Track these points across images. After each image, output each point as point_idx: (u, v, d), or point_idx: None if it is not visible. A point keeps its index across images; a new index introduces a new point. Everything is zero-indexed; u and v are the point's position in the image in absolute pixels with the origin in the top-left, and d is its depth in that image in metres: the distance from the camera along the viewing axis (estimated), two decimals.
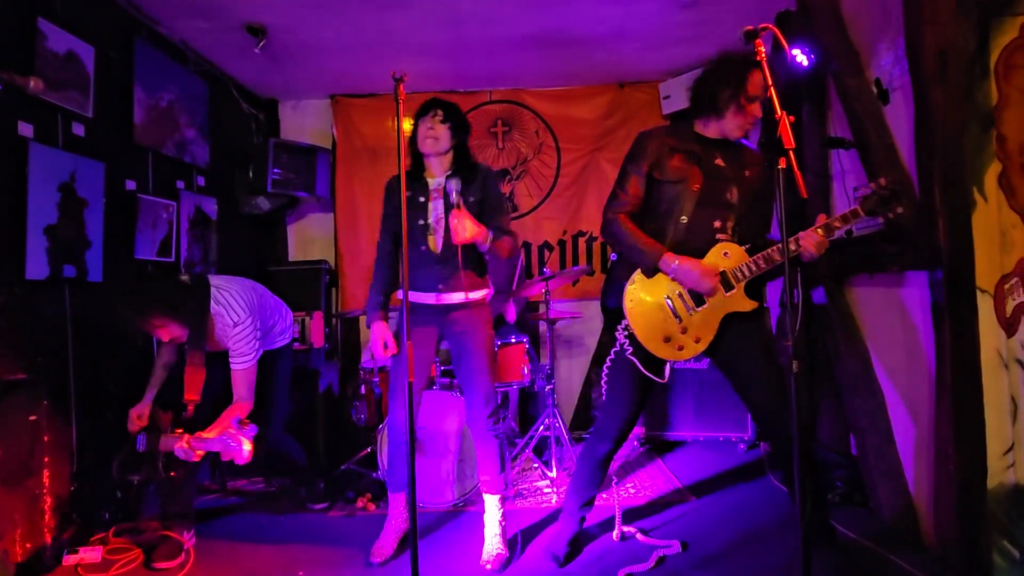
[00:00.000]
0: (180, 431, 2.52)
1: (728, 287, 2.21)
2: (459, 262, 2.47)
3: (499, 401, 2.65)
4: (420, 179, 2.58)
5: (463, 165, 2.56)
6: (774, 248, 2.17)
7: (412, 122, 2.55)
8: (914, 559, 2.36)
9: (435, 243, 2.52)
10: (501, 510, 2.62)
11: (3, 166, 2.48)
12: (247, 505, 3.32)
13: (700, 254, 2.22)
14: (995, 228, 2.28)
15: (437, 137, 2.50)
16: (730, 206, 2.25)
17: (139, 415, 2.71)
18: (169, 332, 2.59)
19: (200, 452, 2.49)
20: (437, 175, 2.57)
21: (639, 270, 2.26)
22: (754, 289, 2.25)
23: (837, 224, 2.16)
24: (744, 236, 2.28)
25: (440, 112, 2.51)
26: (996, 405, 2.25)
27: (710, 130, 2.29)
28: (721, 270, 2.21)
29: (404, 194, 2.00)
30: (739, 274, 2.20)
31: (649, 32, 3.73)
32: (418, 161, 2.60)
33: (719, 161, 2.27)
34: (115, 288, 2.96)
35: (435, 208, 2.54)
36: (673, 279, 2.22)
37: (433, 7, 3.39)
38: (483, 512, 2.63)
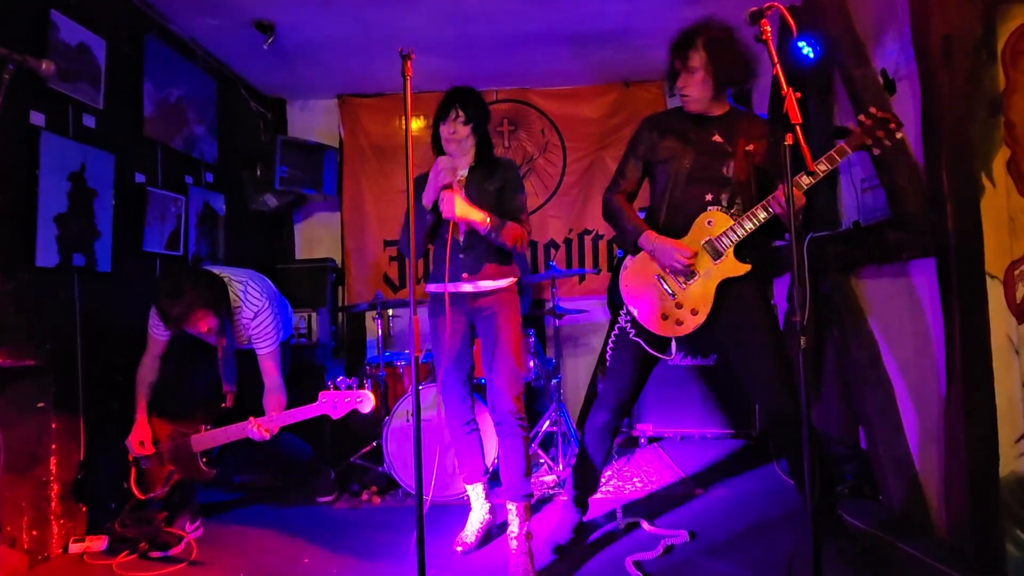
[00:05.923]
0: (252, 418, 2.59)
1: (716, 255, 2.22)
2: (483, 251, 2.46)
3: (523, 388, 2.52)
4: None
5: (486, 157, 2.58)
6: (757, 207, 2.17)
7: (428, 122, 2.52)
8: (925, 547, 2.34)
9: (458, 232, 2.48)
10: (527, 522, 2.42)
11: (15, 154, 2.51)
12: (254, 498, 3.31)
13: (688, 225, 2.24)
14: (1004, 214, 2.26)
15: (460, 139, 2.52)
16: (725, 181, 2.25)
17: (141, 441, 2.69)
18: (207, 323, 2.61)
19: (272, 431, 2.59)
20: (461, 167, 2.55)
21: (630, 254, 2.31)
22: (746, 252, 2.24)
23: (823, 167, 2.10)
24: (745, 207, 2.25)
25: (461, 113, 2.51)
26: (1007, 392, 2.22)
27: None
28: (706, 239, 2.22)
29: (411, 192, 1.97)
30: (725, 240, 2.21)
31: (654, 29, 3.75)
32: (441, 152, 2.60)
33: (716, 137, 2.28)
34: (153, 285, 3.04)
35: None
36: (651, 258, 2.26)
37: (440, 5, 3.42)
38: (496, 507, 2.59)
